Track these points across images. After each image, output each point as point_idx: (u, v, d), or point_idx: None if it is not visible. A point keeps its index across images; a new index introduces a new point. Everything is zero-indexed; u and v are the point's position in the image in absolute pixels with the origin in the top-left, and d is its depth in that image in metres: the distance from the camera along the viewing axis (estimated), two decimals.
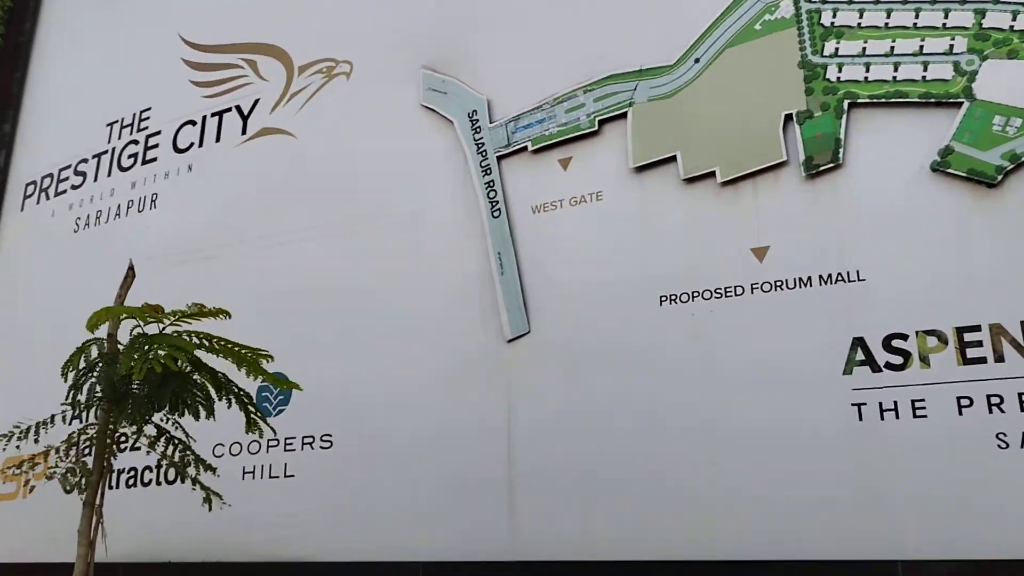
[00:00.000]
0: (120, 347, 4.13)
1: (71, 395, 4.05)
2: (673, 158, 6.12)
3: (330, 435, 6.92)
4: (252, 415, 4.38)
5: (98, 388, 4.06)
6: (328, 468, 6.83)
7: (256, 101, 8.35)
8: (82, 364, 4.26)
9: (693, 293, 5.82)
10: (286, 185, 7.90)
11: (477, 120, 7.07)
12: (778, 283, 5.58)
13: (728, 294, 5.71)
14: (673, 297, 5.88)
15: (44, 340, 8.96)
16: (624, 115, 6.42)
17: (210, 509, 4.71)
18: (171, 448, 4.48)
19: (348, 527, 6.65)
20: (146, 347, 3.85)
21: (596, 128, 6.49)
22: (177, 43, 9.20)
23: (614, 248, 6.21)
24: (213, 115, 8.58)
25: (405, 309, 6.94)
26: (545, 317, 6.38)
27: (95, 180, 9.28)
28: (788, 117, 5.77)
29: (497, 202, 6.76)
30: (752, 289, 5.64)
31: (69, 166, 9.61)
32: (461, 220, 6.93)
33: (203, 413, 4.29)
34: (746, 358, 5.55)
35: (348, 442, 6.85)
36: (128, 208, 8.87)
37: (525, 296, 6.47)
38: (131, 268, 4.31)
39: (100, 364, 4.09)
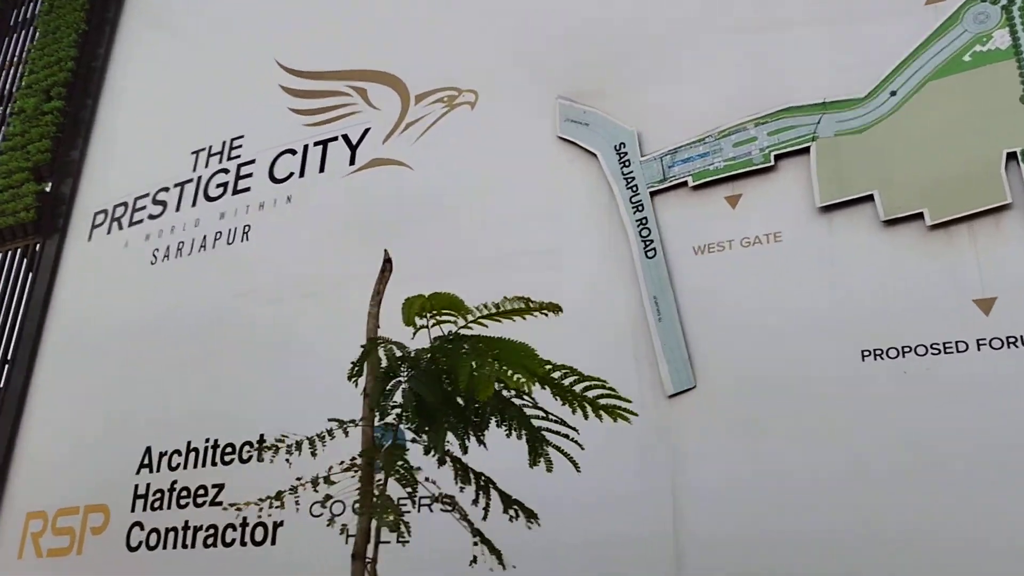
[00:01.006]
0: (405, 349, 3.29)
1: (376, 403, 3.11)
2: (869, 197, 5.51)
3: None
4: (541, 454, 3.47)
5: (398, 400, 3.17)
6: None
7: (366, 130, 7.78)
8: (382, 367, 3.37)
9: (904, 348, 5.13)
10: (399, 219, 7.26)
11: (625, 153, 6.48)
12: (1011, 340, 4.89)
13: (948, 350, 5.01)
14: (879, 352, 5.18)
15: (115, 372, 8.23)
16: (805, 150, 5.84)
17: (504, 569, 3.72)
18: (477, 487, 3.54)
19: None
20: (488, 358, 3.03)
21: (771, 163, 5.90)
22: (274, 69, 8.69)
23: (799, 294, 5.54)
24: (316, 144, 8.00)
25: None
26: (713, 370, 5.67)
27: (177, 210, 8.65)
28: (1011, 156, 5.18)
29: (651, 241, 6.12)
30: (979, 345, 4.95)
31: (147, 195, 8.99)
32: (607, 260, 6.29)
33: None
34: (973, 426, 4.82)
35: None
36: (216, 239, 8.22)
37: (688, 346, 5.77)
38: (388, 260, 3.59)
39: (409, 370, 3.19)
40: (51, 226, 9.66)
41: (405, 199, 7.34)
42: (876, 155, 5.57)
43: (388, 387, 3.07)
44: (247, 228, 8.06)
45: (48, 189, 9.92)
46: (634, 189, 6.34)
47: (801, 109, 5.94)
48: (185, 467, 7.38)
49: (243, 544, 6.79)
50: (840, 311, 5.38)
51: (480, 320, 3.17)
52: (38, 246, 9.75)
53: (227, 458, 7.17)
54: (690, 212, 6.11)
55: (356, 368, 3.31)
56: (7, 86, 11.43)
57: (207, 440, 7.34)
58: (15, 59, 11.57)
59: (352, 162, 7.72)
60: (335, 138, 7.93)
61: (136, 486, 7.57)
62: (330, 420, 3.62)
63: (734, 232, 5.90)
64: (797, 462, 5.21)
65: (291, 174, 8.03)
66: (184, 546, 7.07)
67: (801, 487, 5.14)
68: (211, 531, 6.97)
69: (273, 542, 6.66)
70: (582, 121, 6.78)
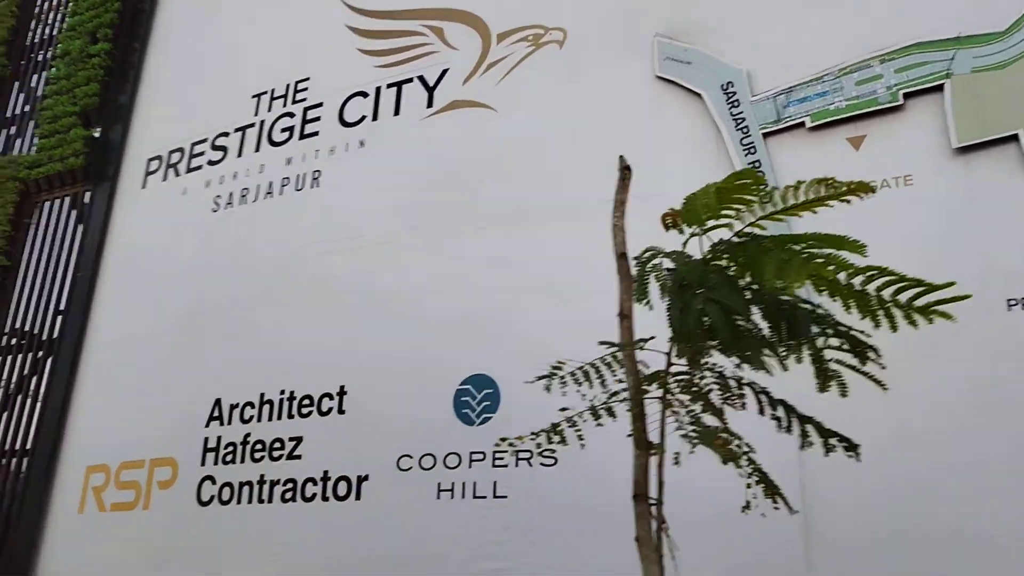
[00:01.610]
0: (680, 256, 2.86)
1: (675, 323, 2.63)
2: (1012, 138, 5.16)
3: None
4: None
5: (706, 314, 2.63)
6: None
7: (444, 71, 7.41)
8: (665, 280, 2.84)
9: None
10: (481, 163, 6.93)
11: (734, 93, 6.13)
12: None
13: None
14: None
15: (178, 322, 7.95)
16: (937, 88, 5.48)
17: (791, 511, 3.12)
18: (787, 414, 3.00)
19: None
20: (796, 251, 2.67)
21: (900, 102, 5.55)
22: (340, 9, 8.29)
23: (934, 240, 5.21)
24: (389, 86, 7.64)
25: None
26: None
27: (239, 155, 8.30)
28: None
29: None
30: None
31: (205, 140, 8.64)
32: None
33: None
34: None
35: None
36: (283, 186, 7.88)
37: None
38: (627, 167, 3.27)
39: (712, 276, 2.70)
40: (101, 173, 9.32)
41: (488, 143, 6.99)
42: (1020, 93, 5.21)
43: (681, 301, 2.69)
44: (317, 174, 7.73)
45: (97, 135, 9.57)
46: (745, 131, 6.00)
47: (932, 44, 5.57)
48: (259, 420, 7.11)
49: (324, 499, 6.54)
50: (982, 258, 5.06)
51: (775, 216, 2.78)
52: (88, 194, 9.42)
53: (305, 410, 6.90)
54: (809, 154, 5.77)
55: (638, 286, 2.87)
56: (50, 29, 11.02)
57: (282, 392, 7.06)
58: (57, 1, 11.14)
59: (430, 104, 7.36)
60: (410, 80, 7.56)
61: (206, 439, 7.31)
62: (601, 344, 3.28)
63: (858, 175, 5.53)
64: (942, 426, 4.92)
65: (363, 118, 7.67)
66: (260, 500, 6.82)
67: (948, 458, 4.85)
68: (289, 485, 6.72)
69: (358, 496, 6.41)
70: (684, 60, 6.41)
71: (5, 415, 8.87)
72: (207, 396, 7.44)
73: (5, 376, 9.13)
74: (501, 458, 5.96)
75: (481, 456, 6.04)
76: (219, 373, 7.47)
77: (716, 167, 6.03)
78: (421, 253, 6.90)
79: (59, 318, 9.05)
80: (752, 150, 5.92)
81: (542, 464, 5.82)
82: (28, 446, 8.56)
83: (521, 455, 5.90)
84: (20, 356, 9.12)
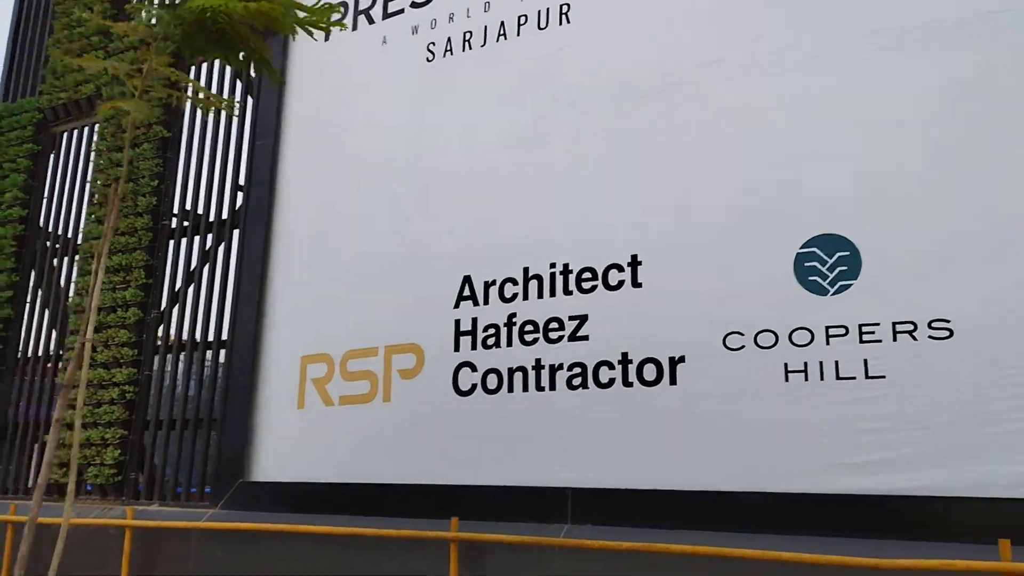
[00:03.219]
0: None
1: None
2: None
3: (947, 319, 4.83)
4: None
5: None
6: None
7: None
8: None
9: None
10: None
11: None
12: None
13: None
14: None
15: (393, 189, 6.94)
16: None
17: None
18: None
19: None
20: None
21: None
22: None
23: None
24: None
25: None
26: None
27: None
28: None
29: None
30: None
31: None
32: None
33: None
34: None
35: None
36: (519, 26, 6.67)
37: None
38: None
39: None
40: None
41: None
42: None
43: None
44: (566, 8, 6.50)
45: None
46: None
47: None
48: (525, 298, 6.15)
49: (627, 384, 5.61)
50: None
51: None
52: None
53: (586, 285, 5.92)
54: None
55: None
56: None
57: (552, 266, 6.07)
58: None
59: None
60: None
61: (457, 322, 6.38)
62: None
63: None
64: None
65: None
66: (540, 388, 5.93)
67: None
68: (576, 370, 5.80)
69: (672, 380, 5.48)
70: None
71: (189, 305, 7.97)
72: (452, 274, 6.47)
73: (181, 262, 8.18)
74: (872, 332, 4.96)
75: (842, 331, 5.04)
76: (464, 249, 6.47)
77: None
78: (726, 89, 5.75)
79: (238, 195, 8.03)
80: None
81: (932, 338, 4.82)
82: (223, 337, 7.70)
83: (901, 327, 4.90)
84: (195, 239, 8.16)
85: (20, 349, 9.06)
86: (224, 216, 8.03)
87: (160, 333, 8.08)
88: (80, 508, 7.79)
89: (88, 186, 9.00)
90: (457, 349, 6.34)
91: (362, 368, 6.79)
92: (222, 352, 7.67)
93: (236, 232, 7.91)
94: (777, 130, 5.50)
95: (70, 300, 8.52)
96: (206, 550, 6.94)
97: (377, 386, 6.68)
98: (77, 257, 8.88)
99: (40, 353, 8.91)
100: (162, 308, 8.17)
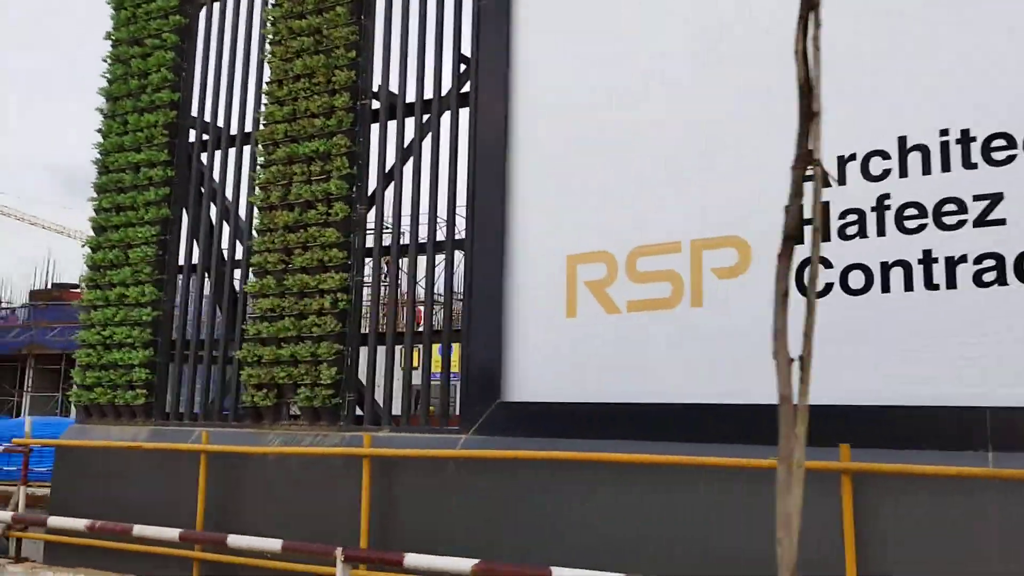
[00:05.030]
0: None
1: None
2: None
3: None
4: None
5: None
6: None
7: None
8: None
9: None
10: None
11: None
12: None
13: None
14: None
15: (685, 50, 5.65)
16: None
17: None
18: None
19: None
20: None
21: None
22: None
23: None
24: None
25: None
26: None
27: None
28: None
29: None
30: None
31: None
32: None
33: None
34: None
35: None
36: None
37: None
38: None
39: None
40: None
41: None
42: None
43: None
44: None
45: None
46: None
47: None
48: (902, 175, 4.92)
49: None
50: None
51: None
52: None
53: (996, 156, 4.69)
54: None
55: None
56: None
57: (943, 133, 4.83)
58: None
59: None
60: None
61: (799, 207, 5.17)
62: None
63: None
64: None
65: None
66: (931, 286, 4.75)
67: None
68: (988, 263, 4.61)
69: None
70: None
71: (408, 196, 6.73)
72: (788, 148, 5.23)
73: (391, 147, 6.90)
74: None
75: None
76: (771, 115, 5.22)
77: None
78: None
79: (460, 66, 6.71)
80: None
81: None
82: (457, 237, 6.50)
83: None
84: (407, 120, 6.88)
85: (183, 256, 7.87)
86: (444, 92, 6.73)
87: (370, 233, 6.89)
88: (286, 436, 6.75)
89: (255, 63, 7.67)
90: (800, 242, 5.15)
91: (658, 267, 5.62)
92: (456, 255, 6.49)
93: (449, 113, 6.64)
94: None
95: (253, 195, 7.28)
96: (457, 481, 5.91)
97: (682, 289, 5.52)
98: (246, 148, 7.63)
99: (203, 261, 7.73)
100: (371, 196, 6.94)
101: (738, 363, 5.25)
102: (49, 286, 35.41)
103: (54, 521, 7.12)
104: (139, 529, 6.51)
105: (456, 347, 6.42)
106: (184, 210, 7.95)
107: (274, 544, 5.84)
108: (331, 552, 5.48)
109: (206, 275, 7.68)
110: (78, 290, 36.10)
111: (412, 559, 5.27)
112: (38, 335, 31.24)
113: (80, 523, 6.83)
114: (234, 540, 6.06)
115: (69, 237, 48.74)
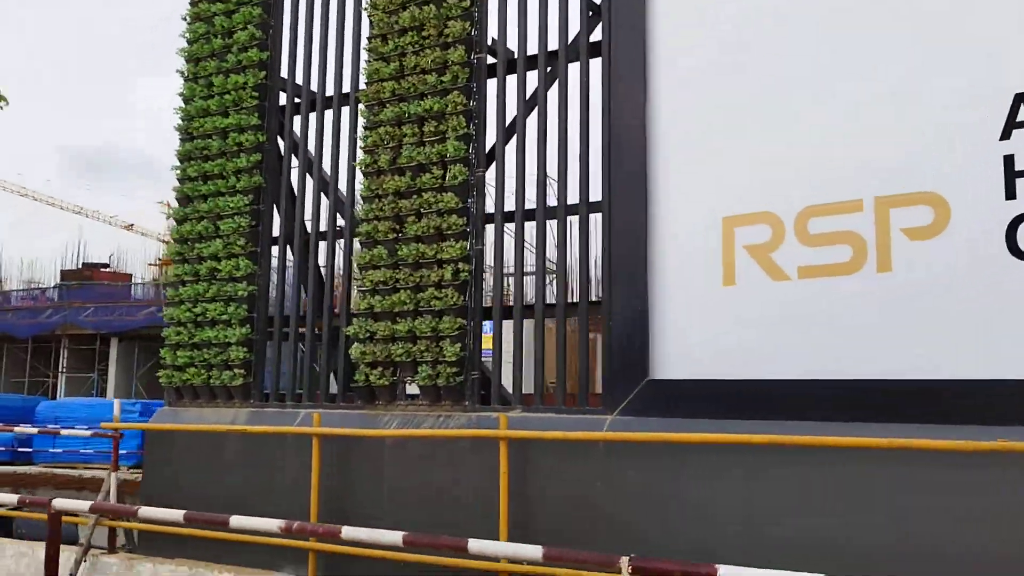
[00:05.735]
0: None
1: None
2: None
3: None
4: None
5: None
6: None
7: None
8: None
9: None
10: None
11: None
12: None
13: None
14: None
15: None
16: None
17: None
18: None
19: None
20: None
21: None
22: None
23: None
24: None
25: None
26: None
27: None
28: None
29: None
30: None
31: None
32: None
33: None
34: None
35: None
36: None
37: None
38: None
39: None
40: None
41: None
42: None
43: None
44: None
45: None
46: None
47: None
48: None
49: None
50: None
51: None
52: None
53: None
54: None
55: None
56: None
57: None
58: None
59: None
60: None
61: (1008, 159, 4.60)
62: None
63: None
64: None
65: None
66: None
67: None
68: None
69: None
70: None
71: (533, 156, 6.18)
72: (993, 90, 4.66)
73: (511, 104, 6.36)
74: None
75: None
76: (1014, 49, 4.64)
77: None
78: None
79: (588, 12, 6.13)
80: None
81: None
82: (591, 199, 5.95)
83: None
84: (528, 74, 6.32)
85: (278, 226, 7.37)
86: (571, 41, 6.16)
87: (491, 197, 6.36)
88: (403, 417, 6.27)
89: (351, 17, 7.10)
90: (1013, 196, 4.59)
91: (836, 228, 5.07)
92: (592, 218, 5.95)
93: (576, 65, 6.08)
94: None
95: (359, 160, 6.75)
96: (605, 466, 5.42)
97: (866, 252, 4.96)
98: (345, 109, 7.10)
99: (301, 231, 7.23)
100: (494, 154, 6.41)
101: (931, 334, 4.72)
102: (80, 266, 35.10)
103: (148, 512, 6.66)
104: (240, 520, 5.90)
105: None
106: (278, 177, 7.44)
107: (534, 552, 4.62)
108: (614, 561, 4.14)
109: (309, 246, 7.18)
110: (108, 269, 36.03)
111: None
112: (71, 315, 30.92)
113: (178, 514, 6.35)
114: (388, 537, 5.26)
115: (94, 219, 48.57)
